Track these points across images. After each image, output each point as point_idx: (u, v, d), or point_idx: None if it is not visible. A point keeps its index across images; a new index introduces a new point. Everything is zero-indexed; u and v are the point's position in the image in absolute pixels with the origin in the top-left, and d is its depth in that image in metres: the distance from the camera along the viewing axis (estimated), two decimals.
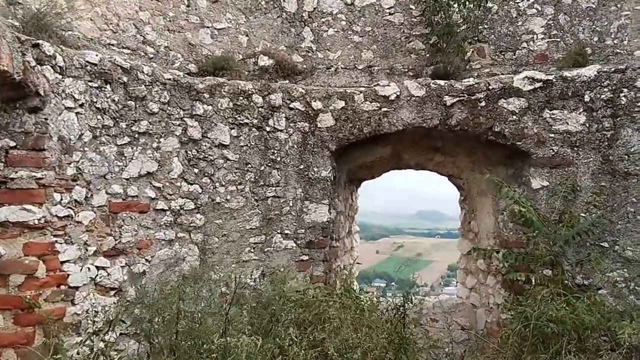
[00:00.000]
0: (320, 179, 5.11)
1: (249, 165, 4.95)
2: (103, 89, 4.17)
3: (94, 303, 3.98)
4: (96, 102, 4.11)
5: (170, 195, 4.57)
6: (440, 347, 6.01)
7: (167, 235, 4.53)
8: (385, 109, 5.15)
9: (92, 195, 4.07)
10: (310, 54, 6.11)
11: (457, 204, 6.85)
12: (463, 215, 6.59)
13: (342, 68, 6.08)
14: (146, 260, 4.40)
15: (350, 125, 5.15)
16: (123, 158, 4.31)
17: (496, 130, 5.10)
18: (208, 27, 5.77)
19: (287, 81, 5.68)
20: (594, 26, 5.87)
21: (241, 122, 4.95)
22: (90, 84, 4.06)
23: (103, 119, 4.17)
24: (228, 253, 4.82)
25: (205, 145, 4.80)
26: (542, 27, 6.01)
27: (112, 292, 4.18)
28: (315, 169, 5.11)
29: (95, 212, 4.09)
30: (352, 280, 6.10)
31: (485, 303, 5.95)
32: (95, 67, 4.11)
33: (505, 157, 5.51)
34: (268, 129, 5.02)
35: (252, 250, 4.92)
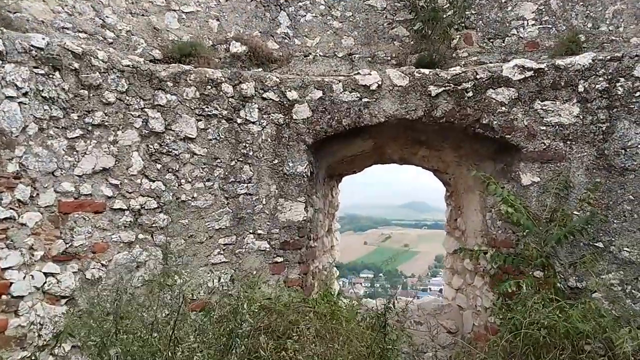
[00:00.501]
0: (296, 175, 4.74)
1: (218, 160, 4.56)
2: (51, 76, 3.76)
3: (41, 314, 3.59)
4: (43, 91, 3.70)
5: (130, 193, 4.17)
6: (424, 351, 5.70)
7: (125, 237, 4.14)
8: (366, 100, 4.78)
9: (38, 194, 3.67)
10: (286, 41, 5.72)
11: (443, 198, 6.53)
12: (449, 212, 6.26)
13: (320, 56, 5.70)
14: (102, 265, 4.01)
15: (329, 117, 4.77)
16: (75, 153, 3.91)
17: (484, 122, 4.76)
18: (175, 11, 5.36)
19: (261, 69, 5.30)
20: (587, 12, 5.53)
21: (209, 113, 4.55)
22: (35, 70, 3.65)
23: (51, 109, 3.76)
24: (195, 256, 4.44)
25: (169, 139, 4.40)
26: (532, 12, 5.67)
27: (63, 301, 3.79)
28: (291, 164, 4.74)
29: (42, 213, 3.69)
30: (332, 282, 5.75)
31: (473, 305, 5.63)
32: (42, 52, 3.70)
33: (493, 152, 5.18)
34: (239, 120, 4.64)
35: (222, 252, 4.54)
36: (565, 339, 3.86)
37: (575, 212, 4.57)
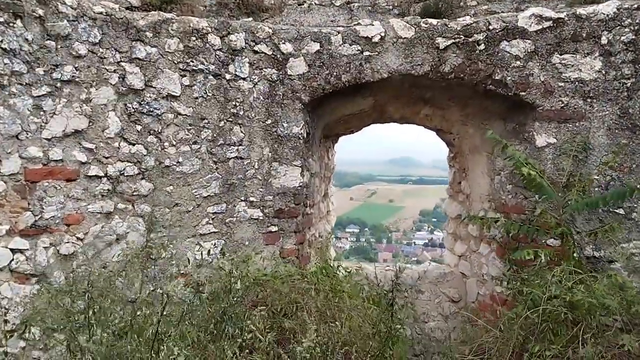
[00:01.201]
0: (291, 137, 4.32)
1: (205, 121, 4.12)
2: (11, 24, 3.26)
3: (9, 295, 3.20)
4: (2, 42, 3.20)
5: (107, 158, 3.73)
6: (426, 321, 5.43)
7: (103, 207, 3.71)
8: (367, 53, 4.32)
9: (0, 161, 3.21)
10: None
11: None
12: (452, 175, 5.89)
13: (316, 4, 5.18)
14: (77, 239, 3.61)
15: (327, 72, 4.32)
16: (42, 113, 3.44)
17: (497, 78, 4.34)
18: None
19: (252, 19, 4.79)
20: None
21: (194, 68, 4.08)
22: None
23: (12, 63, 3.28)
24: (181, 226, 4.04)
25: (150, 97, 3.93)
26: None
27: (34, 280, 3.39)
28: (285, 125, 4.30)
29: (5, 182, 3.26)
30: (329, 250, 5.40)
31: (477, 273, 5.33)
32: None
33: (505, 110, 4.77)
34: (228, 76, 4.17)
35: (211, 221, 4.15)
36: (588, 315, 3.57)
37: (595, 177, 4.22)
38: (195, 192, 4.08)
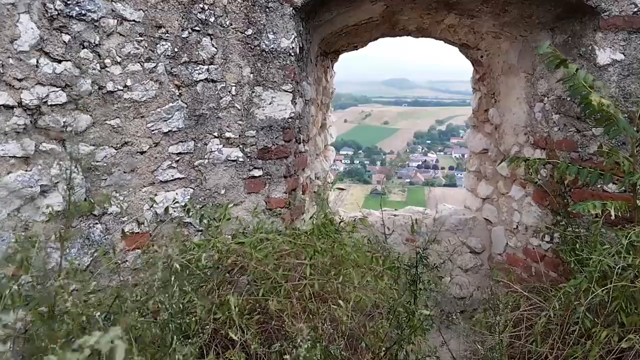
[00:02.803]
0: (279, 52, 3.26)
1: (163, 30, 3.04)
2: None
3: None
4: None
5: (19, 81, 2.66)
6: (441, 277, 4.56)
7: (18, 149, 2.69)
8: None
9: None
10: None
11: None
12: (477, 101, 4.85)
13: None
14: None
15: None
16: None
17: None
18: None
19: None
20: None
21: None
22: None
23: None
24: (134, 172, 3.05)
25: None
26: None
27: None
28: (271, 36, 3.24)
29: None
30: (327, 194, 4.45)
31: (507, 220, 4.42)
32: None
33: (554, 18, 3.71)
34: None
35: (175, 164, 3.16)
36: None
37: None
38: (152, 126, 3.06)
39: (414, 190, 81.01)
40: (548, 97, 3.82)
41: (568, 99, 3.60)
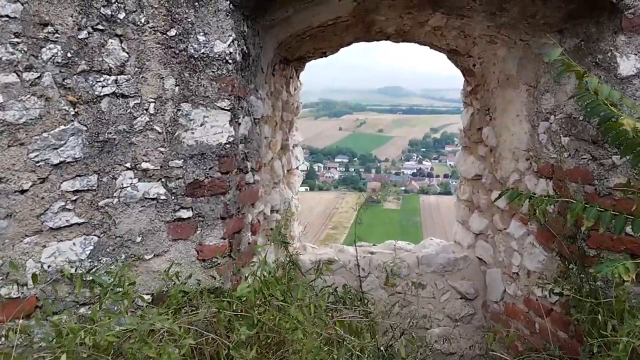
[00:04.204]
0: (212, 59, 2.52)
1: (50, 29, 2.30)
2: None
3: None
4: None
5: None
6: (427, 327, 3.83)
7: None
8: None
9: None
10: None
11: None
12: (469, 117, 4.12)
13: None
14: None
15: None
16: None
17: None
18: None
19: None
20: None
21: None
22: None
23: None
24: (11, 217, 2.29)
25: None
26: None
27: None
28: (202, 38, 2.50)
29: None
30: (290, 228, 3.71)
31: (504, 262, 3.68)
32: None
33: (562, 18, 2.99)
34: None
35: (71, 206, 2.40)
36: None
37: None
38: (36, 156, 2.31)
39: (408, 198, 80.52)
40: (555, 116, 3.10)
41: (581, 118, 2.87)
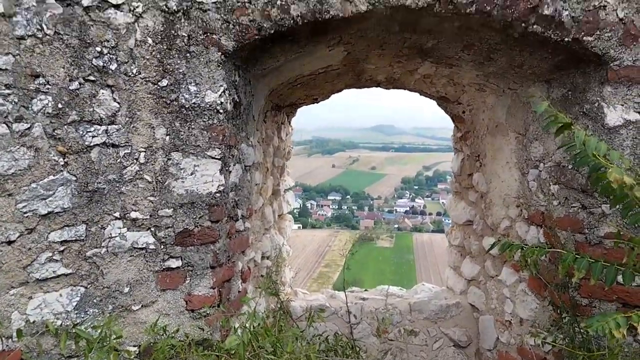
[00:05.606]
0: (203, 109, 2.54)
1: (42, 80, 2.31)
2: None
3: None
4: None
5: None
6: None
7: None
8: None
9: None
10: None
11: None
12: (459, 163, 4.14)
13: None
14: None
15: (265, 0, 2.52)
16: None
17: (546, 12, 2.60)
18: None
19: None
20: None
21: None
22: None
23: None
24: None
25: None
26: None
27: None
28: (193, 89, 2.52)
29: None
30: (281, 274, 3.67)
31: (497, 309, 3.65)
32: None
33: (550, 68, 3.04)
34: (86, 2, 2.36)
35: (58, 256, 2.38)
36: None
37: None
38: (24, 207, 2.29)
39: (401, 235, 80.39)
40: (544, 163, 3.12)
41: (570, 167, 2.90)
